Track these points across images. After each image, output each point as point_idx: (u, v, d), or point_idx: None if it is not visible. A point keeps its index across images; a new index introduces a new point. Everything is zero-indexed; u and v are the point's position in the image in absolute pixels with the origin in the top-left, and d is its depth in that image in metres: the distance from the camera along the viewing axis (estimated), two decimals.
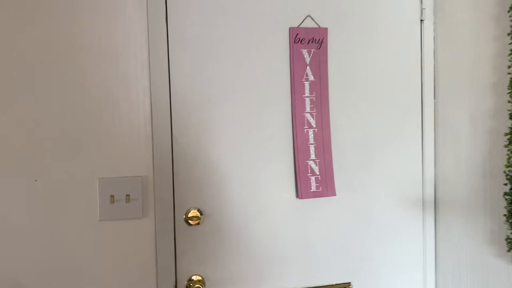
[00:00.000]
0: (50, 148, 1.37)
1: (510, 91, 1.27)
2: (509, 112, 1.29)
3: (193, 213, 1.48)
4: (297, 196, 1.56)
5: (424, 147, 1.67)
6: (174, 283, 1.47)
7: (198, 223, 1.48)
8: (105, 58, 1.40)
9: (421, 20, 1.66)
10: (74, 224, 1.40)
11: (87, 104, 1.39)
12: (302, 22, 1.55)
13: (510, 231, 1.32)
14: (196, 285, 1.45)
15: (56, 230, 1.38)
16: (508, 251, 1.30)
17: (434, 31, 1.67)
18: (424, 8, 1.65)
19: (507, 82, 1.32)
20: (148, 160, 1.44)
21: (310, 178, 1.55)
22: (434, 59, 1.67)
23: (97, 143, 1.40)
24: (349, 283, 1.62)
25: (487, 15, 1.40)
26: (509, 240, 1.30)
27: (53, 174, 1.38)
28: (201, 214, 1.48)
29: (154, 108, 1.43)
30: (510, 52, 1.27)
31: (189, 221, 1.47)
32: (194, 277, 1.48)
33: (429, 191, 1.68)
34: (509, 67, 1.29)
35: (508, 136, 1.29)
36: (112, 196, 1.42)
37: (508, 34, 1.30)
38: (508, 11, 1.27)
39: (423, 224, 1.68)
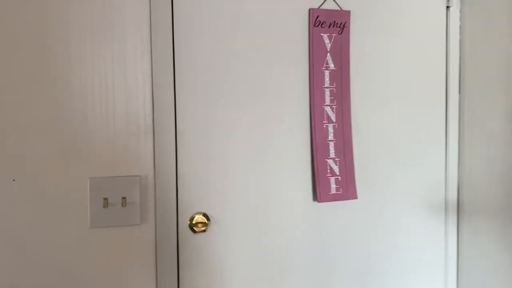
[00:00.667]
0: (30, 143, 1.15)
1: None
2: None
3: (199, 218, 1.28)
4: (315, 199, 1.39)
5: (448, 147, 1.53)
6: None
7: (205, 230, 1.28)
8: (99, 37, 1.19)
9: (447, 7, 1.52)
10: (61, 232, 1.18)
11: (75, 91, 1.18)
12: (323, 3, 1.38)
13: None
14: None
15: (39, 239, 1.16)
16: None
17: (460, 19, 1.53)
18: None
19: None
20: (148, 157, 1.24)
21: (329, 179, 1.38)
22: (460, 50, 1.53)
23: (88, 137, 1.19)
24: None
25: None
26: None
27: (35, 173, 1.15)
28: (208, 219, 1.29)
29: (156, 97, 1.23)
30: None
31: (194, 227, 1.28)
32: None
33: (452, 195, 1.54)
34: None
35: None
36: (105, 199, 1.20)
37: None
38: None
39: (445, 228, 1.54)
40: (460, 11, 1.53)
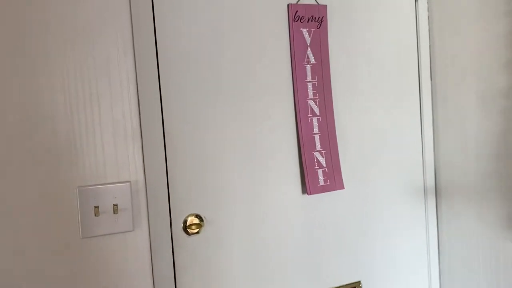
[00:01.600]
0: (13, 153, 1.09)
1: None
2: None
3: (192, 220, 1.27)
4: (304, 191, 1.41)
5: (423, 133, 1.60)
6: None
7: (199, 232, 1.27)
8: (80, 41, 1.14)
9: (415, 0, 1.58)
10: (52, 245, 1.13)
11: (58, 97, 1.13)
12: None
13: None
14: None
15: (29, 253, 1.11)
16: None
17: (428, 11, 1.59)
18: None
19: None
20: (137, 161, 1.21)
21: (317, 171, 1.40)
22: (429, 40, 1.60)
23: (73, 145, 1.14)
24: (359, 282, 1.50)
25: None
26: None
27: (19, 184, 1.10)
28: (201, 220, 1.28)
29: (142, 99, 1.20)
30: None
31: (188, 229, 1.26)
32: None
33: (430, 178, 1.61)
34: None
35: None
36: (96, 207, 1.16)
37: None
38: None
39: (425, 211, 1.61)
40: (428, 3, 1.59)
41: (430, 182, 1.60)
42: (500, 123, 1.36)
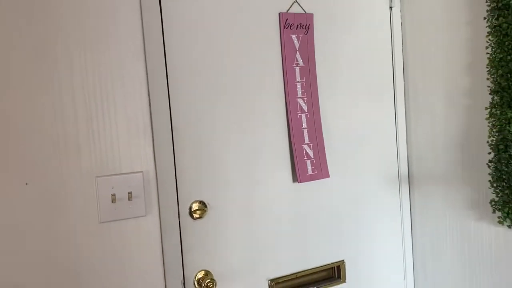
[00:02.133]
0: (41, 148, 1.22)
1: (488, 69, 1.42)
2: (489, 88, 1.44)
3: (197, 206, 1.43)
4: (294, 180, 1.58)
5: (398, 128, 1.79)
6: (182, 280, 1.41)
7: (202, 216, 1.43)
8: (97, 47, 1.28)
9: (390, 7, 1.77)
10: (73, 229, 1.27)
11: (78, 97, 1.27)
12: (290, 7, 1.56)
13: (494, 194, 1.48)
14: (207, 280, 1.40)
15: (54, 237, 1.24)
16: (493, 212, 1.45)
17: (401, 18, 1.79)
18: None
19: (485, 62, 1.46)
20: (148, 154, 1.36)
21: (306, 162, 1.58)
22: (402, 43, 1.79)
23: (93, 139, 1.28)
24: (342, 261, 1.69)
25: (460, 2, 1.54)
26: (493, 203, 1.45)
27: (46, 176, 1.23)
28: (204, 206, 1.44)
29: (152, 98, 1.35)
30: (487, 34, 1.41)
31: (194, 214, 1.42)
32: (202, 272, 1.43)
33: (403, 167, 1.81)
34: (486, 47, 1.43)
35: (489, 110, 1.44)
36: (113, 195, 1.31)
37: (485, 18, 1.44)
38: None
39: (399, 197, 1.81)
40: (401, 11, 1.78)
41: (404, 171, 1.81)
42: (464, 118, 1.56)
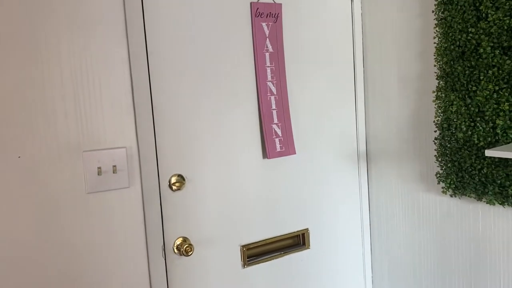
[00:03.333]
0: (33, 125, 1.33)
1: (435, 57, 1.61)
2: (436, 74, 1.63)
3: (175, 179, 1.56)
4: (264, 156, 1.74)
5: (357, 109, 1.98)
6: (163, 245, 1.55)
7: (180, 188, 1.57)
8: (84, 33, 1.39)
9: (351, 1, 1.94)
10: (63, 199, 1.38)
11: (67, 78, 1.37)
12: None
13: (439, 168, 1.68)
14: (185, 246, 1.54)
15: (43, 207, 1.36)
16: (438, 183, 1.66)
17: (361, 8, 1.96)
18: None
19: (433, 50, 1.65)
20: (131, 131, 1.48)
21: (275, 140, 1.74)
22: (362, 32, 1.96)
23: (80, 116, 1.40)
24: (307, 229, 1.87)
25: None
26: (438, 175, 1.66)
27: (38, 151, 1.34)
28: (183, 179, 1.57)
29: (134, 81, 1.47)
30: (435, 26, 1.59)
31: (173, 186, 1.56)
32: (181, 239, 1.58)
33: (362, 146, 2.00)
34: (434, 38, 1.62)
35: (436, 93, 1.63)
36: (99, 168, 1.43)
37: (433, 11, 1.63)
38: None
39: (358, 172, 2.00)
40: (361, 3, 1.95)
41: (362, 149, 1.99)
42: (414, 100, 1.76)
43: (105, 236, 1.45)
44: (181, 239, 1.58)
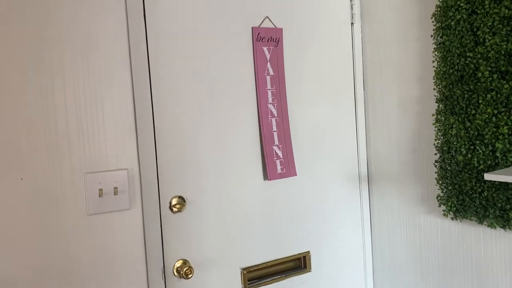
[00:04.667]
0: (35, 146, 1.35)
1: (434, 80, 1.63)
2: (435, 97, 1.65)
3: (176, 200, 1.57)
4: (265, 178, 1.75)
5: (358, 132, 1.99)
6: (163, 268, 1.54)
7: (181, 210, 1.57)
8: (88, 55, 1.42)
9: (351, 23, 1.97)
10: (64, 221, 1.39)
11: (70, 100, 1.40)
12: (261, 22, 1.73)
13: (440, 190, 1.68)
14: (185, 268, 1.54)
15: (45, 228, 1.36)
16: (439, 206, 1.65)
17: (361, 33, 1.99)
18: (354, 13, 1.96)
19: (432, 74, 1.67)
20: (132, 152, 1.49)
21: (276, 161, 1.74)
22: (362, 56, 1.99)
23: (82, 138, 1.41)
24: (308, 252, 1.86)
25: (411, 21, 1.75)
26: (439, 198, 1.66)
27: (40, 172, 1.35)
28: (183, 201, 1.58)
29: (137, 102, 1.49)
30: (434, 50, 1.61)
31: (173, 208, 1.56)
32: (180, 261, 1.57)
33: (363, 167, 2.00)
34: (433, 61, 1.64)
35: (435, 116, 1.64)
36: (100, 189, 1.44)
37: (431, 36, 1.65)
38: (431, 18, 1.62)
39: (359, 195, 2.00)
40: (361, 27, 1.98)
41: (364, 171, 2.00)
42: (414, 123, 1.77)
43: (105, 258, 1.45)
44: (181, 261, 1.58)
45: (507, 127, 1.40)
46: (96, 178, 1.43)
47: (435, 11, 1.58)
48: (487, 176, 1.25)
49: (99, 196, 1.44)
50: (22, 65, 1.33)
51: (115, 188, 1.46)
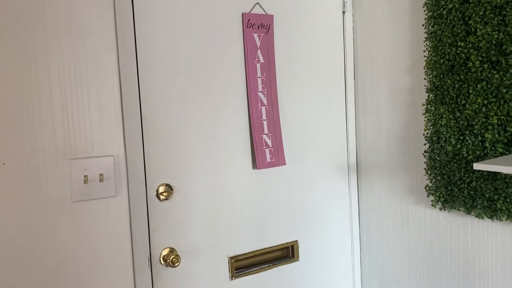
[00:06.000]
0: (19, 131, 1.31)
1: (425, 70, 1.62)
2: (425, 87, 1.64)
3: (163, 188, 1.55)
4: (254, 167, 1.73)
5: (348, 121, 1.98)
6: (149, 256, 1.52)
7: (168, 198, 1.55)
8: (73, 40, 1.38)
9: (343, 12, 1.95)
10: (47, 207, 1.36)
11: (55, 85, 1.36)
12: (252, 8, 1.70)
13: (428, 181, 1.68)
14: (172, 256, 1.52)
15: (28, 215, 1.33)
16: (427, 196, 1.65)
17: (353, 22, 1.97)
18: (346, 1, 1.94)
19: (423, 64, 1.66)
20: (119, 139, 1.47)
21: (265, 150, 1.73)
22: (353, 45, 1.97)
23: (67, 124, 1.38)
24: (296, 241, 1.85)
25: (403, 10, 1.73)
26: (427, 188, 1.65)
27: (23, 158, 1.32)
28: (170, 189, 1.56)
29: (123, 88, 1.46)
30: (425, 40, 1.60)
31: (160, 196, 1.54)
32: (167, 250, 1.56)
33: (352, 157, 1.99)
34: (424, 51, 1.63)
35: (425, 106, 1.64)
36: (85, 176, 1.41)
37: (423, 25, 1.64)
38: (423, 7, 1.60)
39: (348, 184, 1.99)
40: (353, 15, 1.96)
41: (353, 161, 1.99)
42: (404, 113, 1.76)
43: (90, 246, 1.43)
44: (167, 249, 1.56)
45: (496, 117, 1.40)
46: (81, 164, 1.40)
47: (427, 0, 1.56)
48: (476, 166, 1.25)
49: (84, 183, 1.41)
50: (3, 49, 1.29)
51: (101, 175, 1.44)
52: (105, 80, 1.44)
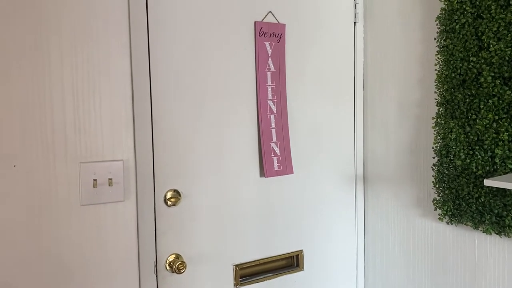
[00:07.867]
0: (30, 134, 1.32)
1: (436, 84, 1.62)
2: (436, 100, 1.64)
3: (171, 194, 1.55)
4: (261, 175, 1.73)
5: (356, 132, 1.98)
6: (155, 262, 1.52)
7: (176, 204, 1.55)
8: (87, 46, 1.39)
9: (354, 23, 1.95)
10: (56, 210, 1.36)
11: (68, 89, 1.37)
12: (264, 17, 1.71)
13: (436, 194, 1.68)
14: (178, 263, 1.52)
15: (37, 217, 1.33)
16: (435, 209, 1.65)
17: (364, 33, 1.97)
18: (358, 13, 1.94)
19: (434, 77, 1.66)
20: (129, 144, 1.47)
21: (273, 158, 1.73)
22: (364, 56, 1.98)
23: (78, 128, 1.39)
24: (301, 250, 1.85)
25: (415, 23, 1.73)
26: (435, 201, 1.65)
27: (34, 160, 1.32)
28: (178, 195, 1.56)
29: (135, 94, 1.46)
30: (437, 53, 1.60)
31: (168, 202, 1.54)
32: (173, 256, 1.55)
33: (359, 168, 1.99)
34: (435, 64, 1.63)
35: (435, 120, 1.64)
36: (95, 180, 1.41)
37: (435, 39, 1.64)
38: (435, 20, 1.60)
39: (355, 195, 1.99)
40: (364, 26, 1.97)
41: (360, 171, 1.99)
42: (413, 126, 1.76)
43: (97, 250, 1.43)
44: (174, 256, 1.56)
45: (507, 133, 1.39)
46: (90, 168, 1.40)
47: (440, 13, 1.56)
48: (487, 182, 1.25)
49: (93, 187, 1.41)
50: (18, 53, 1.29)
51: (110, 179, 1.44)
52: (117, 85, 1.44)
